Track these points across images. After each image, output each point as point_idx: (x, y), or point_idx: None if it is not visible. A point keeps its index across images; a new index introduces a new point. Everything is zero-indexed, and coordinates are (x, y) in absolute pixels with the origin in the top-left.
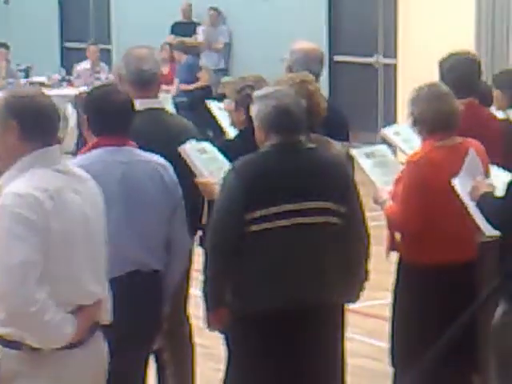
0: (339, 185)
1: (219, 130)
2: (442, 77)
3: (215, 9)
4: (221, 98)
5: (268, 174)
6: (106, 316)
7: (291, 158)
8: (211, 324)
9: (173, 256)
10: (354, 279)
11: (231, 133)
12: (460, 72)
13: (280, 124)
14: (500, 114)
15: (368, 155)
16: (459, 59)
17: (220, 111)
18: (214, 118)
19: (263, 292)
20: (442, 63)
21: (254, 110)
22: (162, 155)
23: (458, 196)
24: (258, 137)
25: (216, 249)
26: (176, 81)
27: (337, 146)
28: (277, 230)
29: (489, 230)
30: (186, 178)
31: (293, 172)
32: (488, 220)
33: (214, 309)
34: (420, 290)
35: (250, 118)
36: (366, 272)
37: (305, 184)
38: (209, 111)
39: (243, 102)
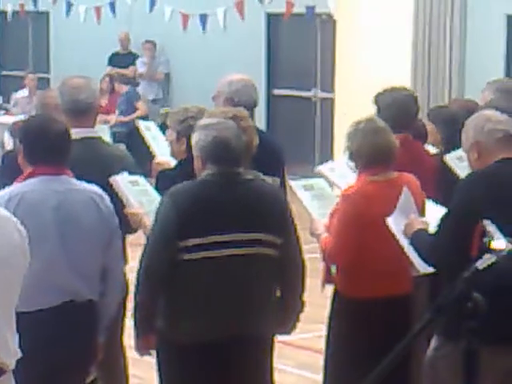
0: (275, 216)
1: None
2: (379, 111)
3: (151, 41)
4: (160, 127)
5: (203, 203)
6: (8, 358)
7: (227, 188)
8: (140, 349)
9: (108, 285)
10: (289, 311)
11: (159, 155)
12: (397, 108)
13: (218, 155)
14: (433, 149)
15: (306, 188)
16: (397, 95)
17: (149, 132)
18: (143, 139)
19: (194, 321)
20: (378, 98)
21: (194, 139)
22: (97, 184)
23: (392, 234)
24: (197, 166)
25: (147, 275)
26: (116, 111)
27: (268, 180)
28: (209, 259)
29: (423, 268)
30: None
31: (228, 202)
32: (422, 257)
33: (143, 335)
34: (353, 323)
35: (190, 149)
36: (302, 304)
37: (239, 215)
38: (138, 131)
39: (185, 132)
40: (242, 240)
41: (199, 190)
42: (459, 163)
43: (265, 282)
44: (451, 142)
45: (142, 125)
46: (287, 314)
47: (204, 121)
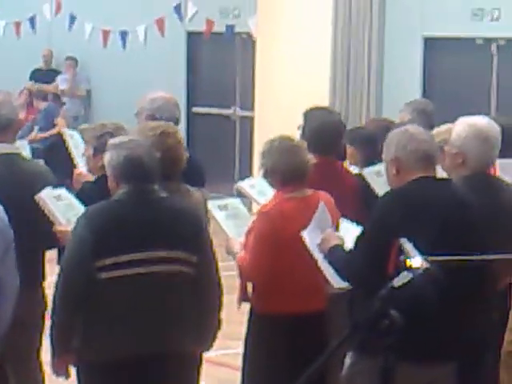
0: (190, 234)
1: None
2: (304, 130)
3: (72, 58)
4: None
5: (118, 222)
6: None
7: (142, 206)
8: (56, 369)
9: (2, 296)
10: (206, 328)
11: (80, 165)
12: (325, 132)
13: (131, 173)
14: (354, 169)
15: (221, 207)
16: (325, 118)
17: (72, 140)
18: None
19: (112, 338)
20: (307, 116)
21: (107, 158)
22: (15, 200)
23: (307, 248)
24: (111, 185)
25: (64, 294)
26: (35, 127)
27: (196, 193)
28: (126, 278)
29: (337, 282)
30: (44, 223)
31: (143, 221)
32: (337, 272)
33: (60, 354)
34: (269, 340)
35: None
36: (219, 321)
37: (155, 233)
38: (62, 140)
39: (102, 148)
40: (157, 258)
41: (113, 209)
42: (377, 178)
43: (182, 299)
44: (370, 162)
45: (67, 132)
46: (204, 331)
47: (115, 140)
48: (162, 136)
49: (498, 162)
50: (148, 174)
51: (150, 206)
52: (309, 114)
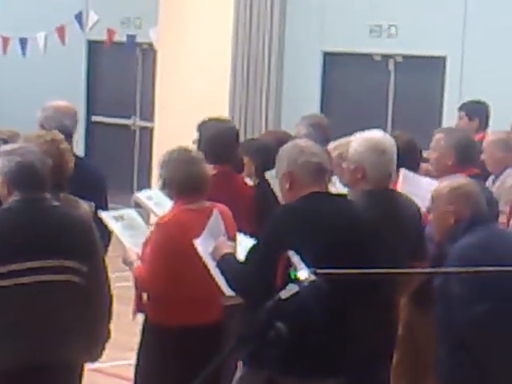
0: (81, 244)
1: None
2: (200, 142)
3: None
4: None
5: (9, 230)
6: None
7: (33, 214)
8: None
9: None
10: (95, 338)
11: None
12: (219, 140)
13: (23, 180)
14: (249, 181)
15: (116, 218)
16: (219, 127)
17: None
18: None
19: (1, 349)
20: (201, 127)
21: None
22: None
23: (199, 256)
24: (2, 192)
25: None
26: None
27: (84, 205)
28: (17, 287)
29: (229, 291)
30: None
31: (34, 229)
32: (228, 282)
33: None
34: (162, 351)
35: None
36: (108, 332)
37: (46, 242)
38: None
39: None
40: (47, 267)
41: (4, 217)
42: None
43: (71, 309)
44: (265, 172)
45: None
46: (94, 341)
47: (7, 146)
48: (53, 142)
49: (401, 173)
50: (40, 182)
51: (42, 215)
52: (202, 126)
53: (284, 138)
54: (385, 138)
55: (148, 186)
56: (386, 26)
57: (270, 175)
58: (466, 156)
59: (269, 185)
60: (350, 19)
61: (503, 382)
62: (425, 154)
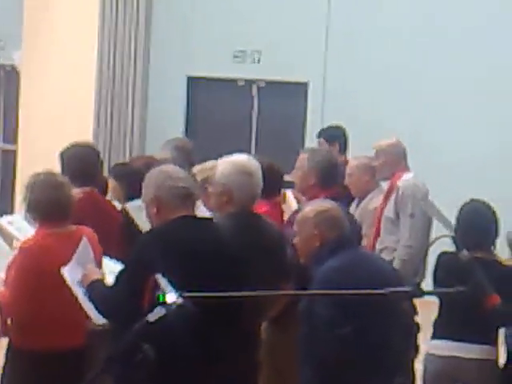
0: None
1: None
2: (63, 166)
3: None
4: None
5: None
6: None
7: None
8: None
9: None
10: None
11: None
12: (80, 160)
13: None
14: (117, 205)
15: None
16: (81, 150)
17: None
18: None
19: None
20: (63, 154)
21: None
22: None
23: (67, 285)
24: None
25: None
26: None
27: None
28: None
29: (97, 318)
30: None
31: None
32: (96, 308)
33: None
34: (26, 376)
35: None
36: None
37: None
38: None
39: None
40: None
41: None
42: (140, 213)
43: None
44: (134, 197)
45: None
46: None
47: None
48: None
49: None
50: None
51: None
52: (64, 153)
53: (151, 163)
54: (250, 161)
55: (11, 210)
56: (250, 51)
57: (130, 206)
58: (327, 176)
59: (131, 217)
60: (214, 44)
61: None
62: (288, 178)
